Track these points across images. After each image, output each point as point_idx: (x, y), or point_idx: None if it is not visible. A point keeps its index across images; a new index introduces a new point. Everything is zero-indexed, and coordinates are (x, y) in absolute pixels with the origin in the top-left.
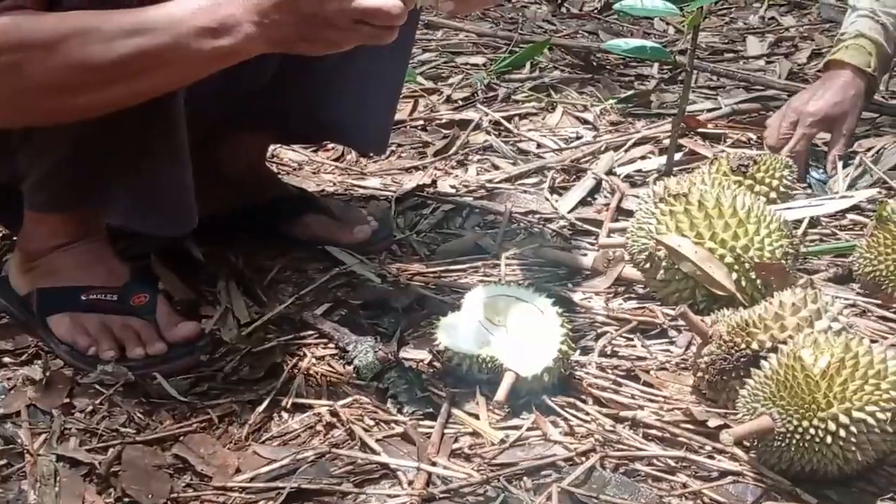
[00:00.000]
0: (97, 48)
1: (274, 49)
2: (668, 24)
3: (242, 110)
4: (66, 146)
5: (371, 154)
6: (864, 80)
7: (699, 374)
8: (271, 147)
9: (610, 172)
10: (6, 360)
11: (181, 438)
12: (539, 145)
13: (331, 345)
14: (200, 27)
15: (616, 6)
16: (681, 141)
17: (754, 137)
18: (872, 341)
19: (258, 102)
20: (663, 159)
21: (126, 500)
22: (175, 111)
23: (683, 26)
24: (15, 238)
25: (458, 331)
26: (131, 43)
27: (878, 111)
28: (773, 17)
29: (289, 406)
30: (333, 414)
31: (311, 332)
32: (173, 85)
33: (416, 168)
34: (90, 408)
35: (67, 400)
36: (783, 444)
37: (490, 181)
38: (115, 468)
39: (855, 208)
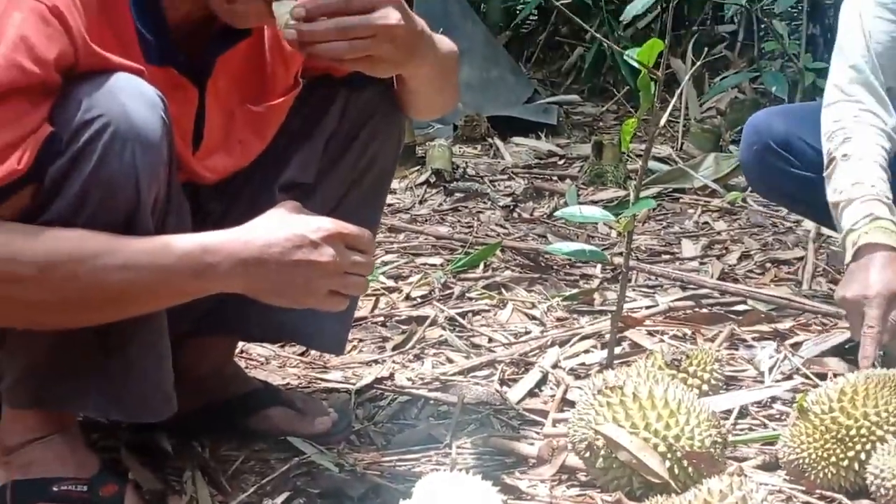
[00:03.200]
0: (84, 280)
1: (248, 294)
2: (610, 228)
3: (203, 320)
4: (41, 349)
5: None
6: None
7: None
8: (240, 343)
9: (556, 366)
10: None
11: None
12: (490, 340)
13: None
14: (185, 271)
15: (557, 213)
16: (624, 334)
17: (689, 332)
18: None
19: (218, 312)
20: (605, 353)
21: None
22: None
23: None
24: None
25: None
26: (118, 277)
27: (802, 309)
28: (706, 222)
29: None
30: None
31: None
32: (148, 311)
33: (376, 362)
34: None
35: None
36: None
37: (444, 374)
38: None
39: (779, 399)
